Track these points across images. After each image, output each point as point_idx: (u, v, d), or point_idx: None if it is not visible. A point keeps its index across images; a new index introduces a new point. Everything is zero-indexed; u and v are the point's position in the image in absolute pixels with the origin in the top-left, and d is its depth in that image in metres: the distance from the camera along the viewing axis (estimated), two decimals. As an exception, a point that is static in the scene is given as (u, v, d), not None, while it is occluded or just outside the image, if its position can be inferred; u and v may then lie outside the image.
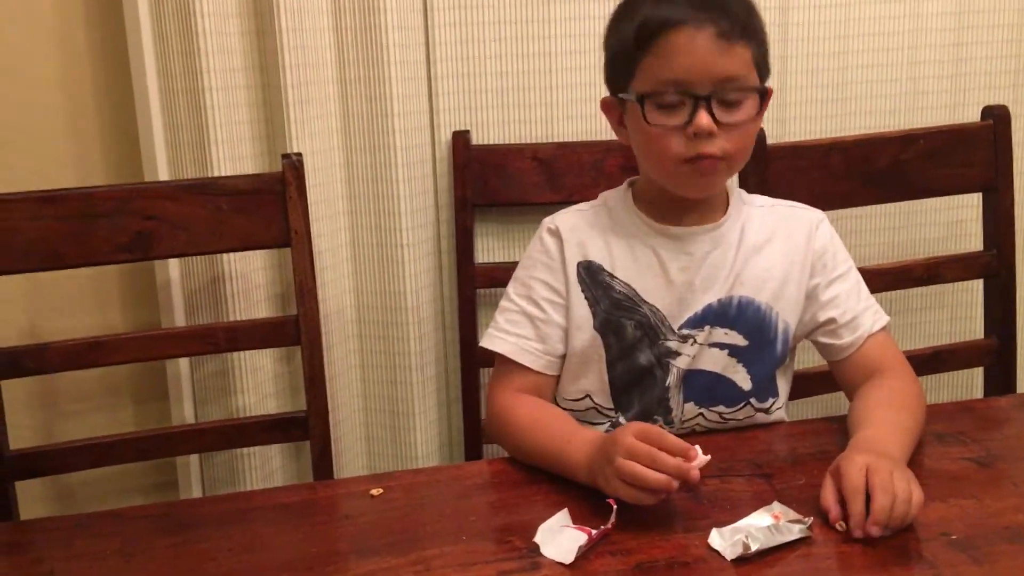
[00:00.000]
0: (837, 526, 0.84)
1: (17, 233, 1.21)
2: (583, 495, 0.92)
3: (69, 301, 1.51)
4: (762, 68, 1.01)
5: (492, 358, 1.53)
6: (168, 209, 1.26)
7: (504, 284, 1.53)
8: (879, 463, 0.85)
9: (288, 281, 1.52)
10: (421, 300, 1.57)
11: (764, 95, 1.00)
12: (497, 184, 1.55)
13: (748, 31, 0.98)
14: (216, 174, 1.41)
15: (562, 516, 0.87)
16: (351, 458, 1.61)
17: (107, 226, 1.24)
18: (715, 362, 1.06)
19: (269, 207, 1.29)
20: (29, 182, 1.23)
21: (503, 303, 1.11)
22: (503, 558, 0.83)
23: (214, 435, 1.32)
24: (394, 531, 0.89)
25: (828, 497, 0.86)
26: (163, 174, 1.44)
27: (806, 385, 1.34)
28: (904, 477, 0.85)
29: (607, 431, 1.03)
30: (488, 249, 1.59)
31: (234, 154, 1.45)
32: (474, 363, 1.56)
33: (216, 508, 0.97)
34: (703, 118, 0.96)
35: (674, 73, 0.96)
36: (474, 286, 1.55)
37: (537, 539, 0.85)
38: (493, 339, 1.09)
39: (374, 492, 0.96)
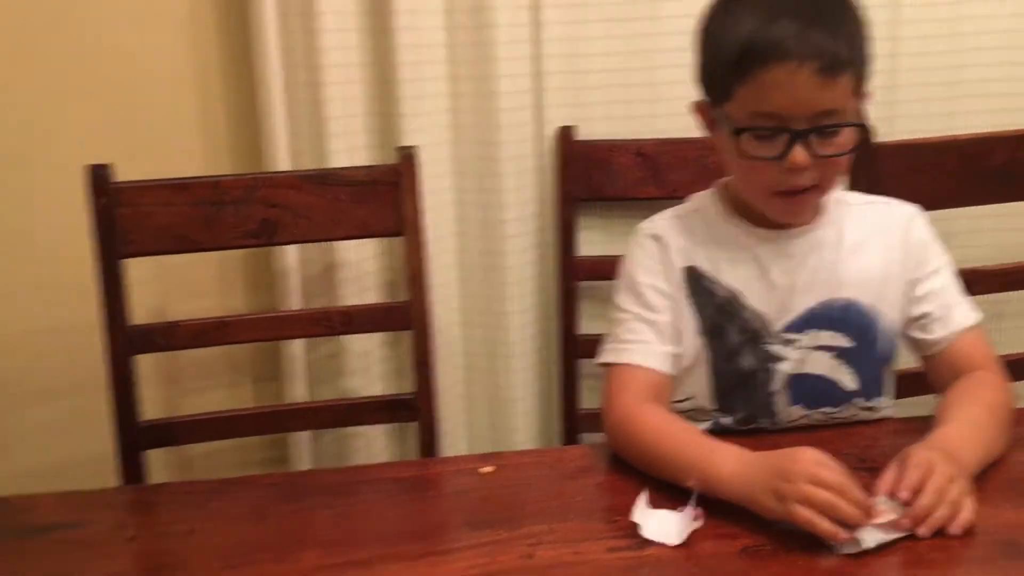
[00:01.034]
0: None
1: (151, 218, 1.30)
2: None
3: (194, 285, 1.60)
4: (862, 84, 0.99)
5: (592, 349, 1.56)
6: (290, 198, 1.33)
7: (605, 278, 1.57)
8: (943, 466, 0.85)
9: (396, 269, 1.58)
10: (523, 291, 1.62)
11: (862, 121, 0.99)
12: (600, 179, 1.59)
13: (853, 57, 0.96)
14: (332, 165, 1.48)
15: (644, 498, 0.89)
16: (452, 441, 1.67)
17: (234, 213, 1.32)
18: (820, 365, 1.07)
19: (383, 197, 1.35)
20: (161, 172, 1.31)
21: (616, 316, 1.10)
22: (611, 536, 0.87)
23: (328, 413, 1.39)
24: (504, 507, 0.93)
25: (883, 483, 0.86)
26: (284, 164, 1.51)
27: (915, 385, 1.34)
28: (961, 488, 0.85)
29: (708, 430, 1.04)
30: (590, 243, 1.62)
31: (349, 146, 1.52)
32: (574, 354, 1.59)
33: (337, 478, 1.04)
34: (798, 154, 0.95)
35: (772, 107, 0.94)
36: (575, 278, 1.59)
37: (635, 519, 0.87)
38: (617, 352, 1.07)
39: (484, 470, 1.00)
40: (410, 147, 1.36)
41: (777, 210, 1.03)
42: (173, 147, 1.55)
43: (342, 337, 1.55)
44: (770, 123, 0.95)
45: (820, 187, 1.00)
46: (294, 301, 1.56)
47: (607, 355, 1.08)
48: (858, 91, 0.99)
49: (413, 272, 1.36)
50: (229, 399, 1.64)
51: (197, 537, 0.92)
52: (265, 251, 1.58)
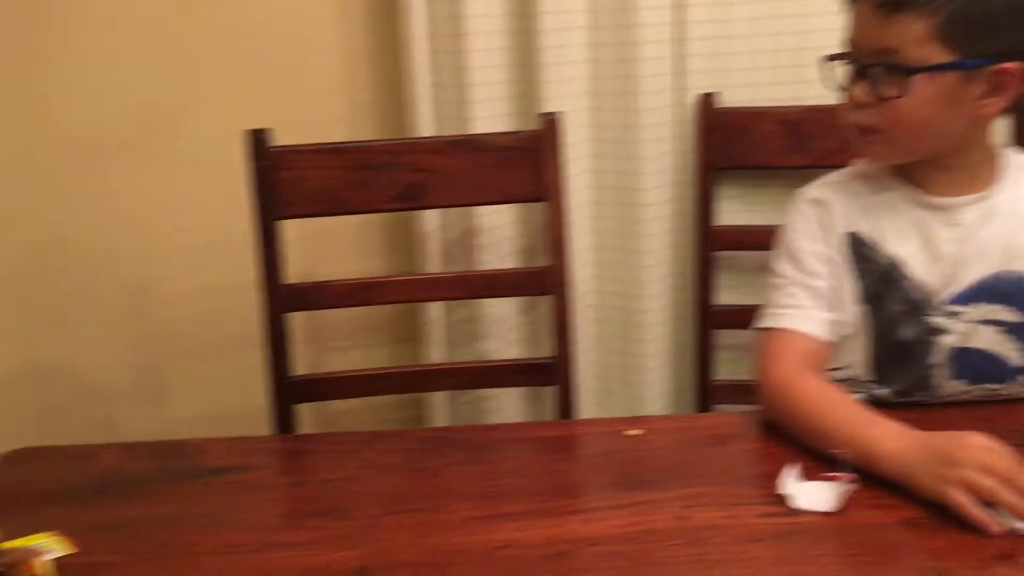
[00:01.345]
0: None
1: (307, 181, 1.35)
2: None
3: (334, 248, 1.65)
4: (962, 40, 0.92)
5: (729, 320, 1.54)
6: (437, 162, 1.36)
7: (745, 248, 1.56)
8: None
9: (533, 235, 1.60)
10: (659, 260, 1.61)
11: (954, 68, 0.92)
12: (742, 147, 1.56)
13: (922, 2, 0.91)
14: (474, 132, 1.50)
15: (793, 470, 0.88)
16: (583, 408, 1.68)
17: (384, 177, 1.35)
18: (986, 339, 1.03)
19: (526, 163, 1.37)
20: (307, 139, 1.36)
21: (774, 281, 1.09)
22: (763, 502, 0.86)
23: (468, 375, 1.42)
24: (653, 469, 0.94)
25: None
26: (426, 132, 1.54)
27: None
28: None
29: (862, 401, 1.02)
30: (729, 213, 1.60)
31: (491, 113, 1.54)
32: (709, 324, 1.58)
33: (486, 435, 1.07)
34: (855, 89, 0.97)
35: (849, 36, 0.98)
36: (713, 248, 1.57)
37: (785, 491, 0.87)
38: (775, 318, 1.06)
39: (631, 432, 1.01)
40: (553, 113, 1.37)
41: (856, 147, 1.03)
42: (319, 115, 1.60)
43: (479, 301, 1.59)
44: (850, 55, 0.98)
45: (884, 132, 0.98)
46: (432, 265, 1.60)
47: (764, 320, 1.07)
48: (948, 40, 0.92)
49: (554, 238, 1.38)
50: (368, 359, 1.70)
51: (356, 484, 0.96)
52: (405, 215, 1.62)
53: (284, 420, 1.37)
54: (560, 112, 1.38)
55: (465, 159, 1.36)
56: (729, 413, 1.09)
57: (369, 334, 1.70)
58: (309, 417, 1.66)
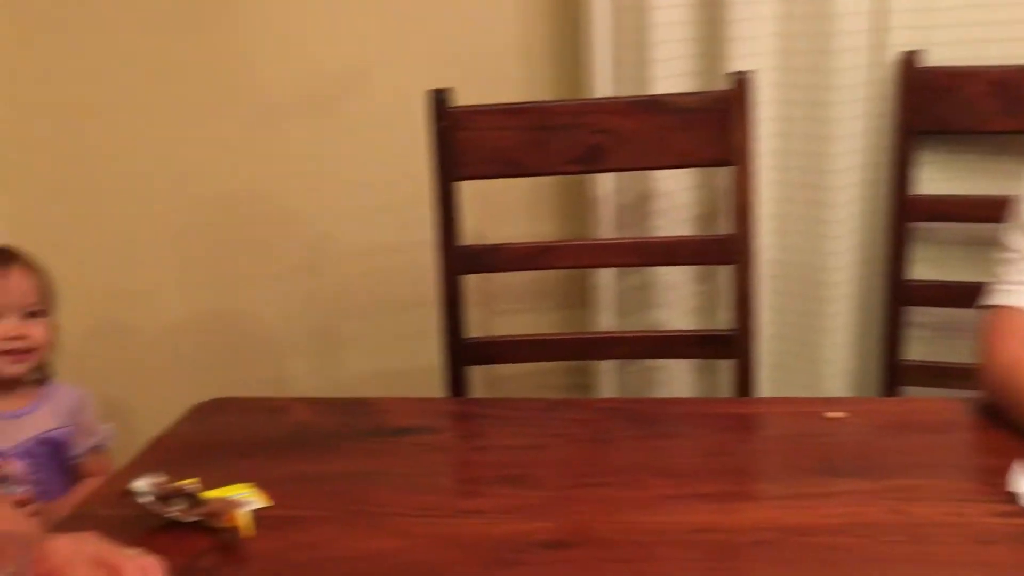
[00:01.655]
0: None
1: (485, 142, 1.32)
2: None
3: (507, 210, 1.63)
4: None
5: (925, 295, 1.44)
6: (618, 124, 1.31)
7: (944, 219, 1.45)
8: None
9: (711, 201, 1.53)
10: (848, 229, 1.51)
11: None
12: (946, 110, 1.44)
13: None
14: (654, 92, 1.44)
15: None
16: (756, 383, 1.61)
17: (563, 139, 1.32)
18: None
19: (712, 125, 1.30)
20: (486, 98, 1.33)
21: (1005, 256, 1.00)
22: (994, 499, 0.79)
23: (642, 344, 1.38)
24: (859, 455, 0.88)
25: None
26: (604, 93, 1.49)
27: None
28: None
29: None
30: (929, 181, 1.48)
31: (671, 72, 1.48)
32: (901, 300, 1.48)
33: (671, 409, 1.02)
34: None
35: None
36: (909, 219, 1.46)
37: (1015, 489, 0.79)
38: (1004, 295, 0.97)
39: (833, 415, 0.95)
40: (744, 72, 1.29)
41: None
42: (496, 75, 1.58)
43: (652, 268, 1.53)
44: None
45: None
46: (605, 230, 1.55)
47: (992, 297, 0.98)
48: None
49: (739, 204, 1.31)
50: (535, 324, 1.67)
51: (540, 452, 0.94)
52: (578, 178, 1.58)
53: (456, 381, 1.36)
54: (752, 71, 1.31)
55: (648, 120, 1.31)
56: (943, 398, 1.01)
57: (538, 298, 1.68)
58: (477, 379, 1.66)
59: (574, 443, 0.96)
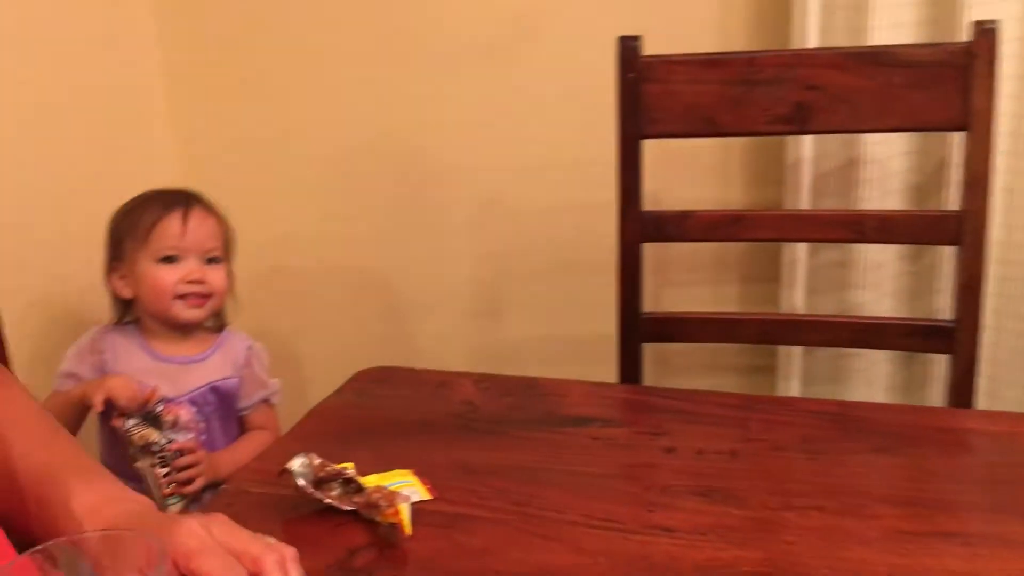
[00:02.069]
0: None
1: (678, 97, 1.18)
2: None
3: (691, 171, 1.49)
4: None
5: None
6: (833, 79, 1.14)
7: None
8: None
9: (928, 171, 1.34)
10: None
11: None
12: None
13: None
14: (870, 43, 1.26)
15: None
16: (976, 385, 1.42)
17: (766, 95, 1.16)
18: None
19: (949, 84, 1.11)
20: (672, 47, 1.18)
21: None
22: None
23: (844, 331, 1.21)
24: None
25: None
26: (811, 42, 1.32)
27: None
28: None
29: None
30: None
31: (894, 21, 1.28)
32: None
33: (897, 418, 0.87)
34: None
35: None
36: None
37: None
38: None
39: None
40: (992, 22, 1.10)
41: None
42: (687, 17, 1.42)
43: (854, 244, 1.36)
44: None
45: None
46: (802, 199, 1.39)
47: None
48: None
49: (974, 176, 1.12)
50: (714, 299, 1.53)
51: (740, 461, 0.81)
52: (772, 140, 1.42)
53: (630, 357, 1.24)
54: (997, 20, 1.11)
55: (869, 76, 1.13)
56: None
57: (718, 269, 1.53)
58: (646, 354, 1.54)
59: (778, 452, 0.83)
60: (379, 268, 1.67)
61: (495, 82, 1.50)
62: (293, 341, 1.74)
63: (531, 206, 1.53)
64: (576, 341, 1.54)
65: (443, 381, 1.00)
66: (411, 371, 1.03)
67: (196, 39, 1.65)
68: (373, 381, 1.01)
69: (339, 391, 0.99)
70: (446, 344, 1.65)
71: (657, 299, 1.54)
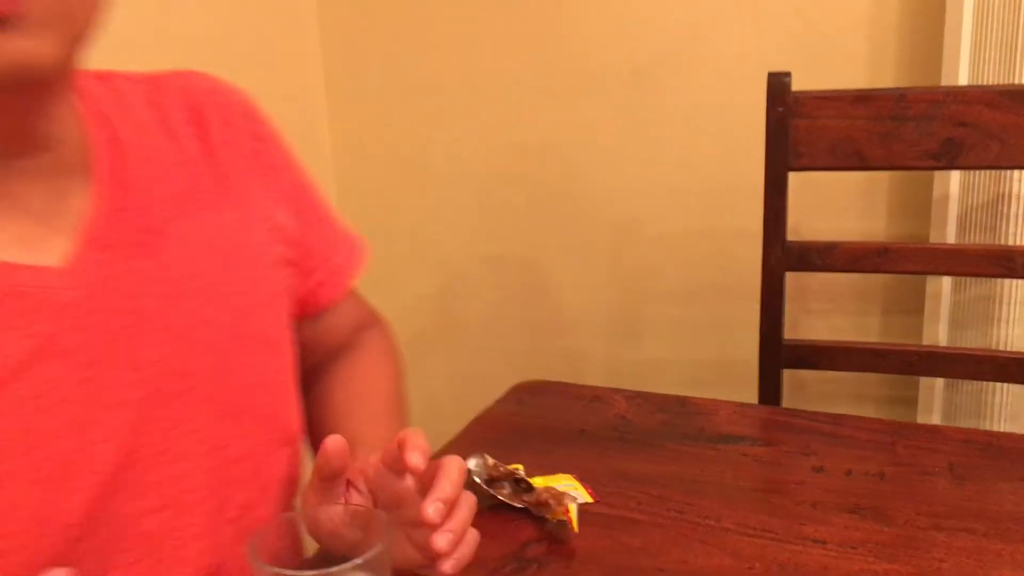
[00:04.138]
0: None
1: (826, 131, 1.22)
2: None
3: (834, 201, 1.52)
4: None
5: None
6: (984, 116, 1.16)
7: None
8: None
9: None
10: None
11: None
12: None
13: None
14: (1021, 81, 1.27)
15: None
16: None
17: (916, 130, 1.19)
18: None
19: (1105, 122, 1.12)
20: (821, 82, 1.22)
21: None
22: None
23: (990, 364, 1.22)
24: None
25: None
26: (962, 78, 1.34)
27: None
28: None
29: None
30: None
31: (1048, 59, 1.29)
32: None
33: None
34: None
35: None
36: None
37: None
38: None
39: None
40: None
41: None
42: (835, 53, 1.46)
43: (999, 279, 1.36)
44: None
45: None
46: (948, 233, 1.40)
47: None
48: None
49: None
50: (854, 328, 1.55)
51: (889, 483, 0.85)
52: (919, 175, 1.44)
53: (770, 383, 1.29)
54: None
55: (1020, 113, 1.15)
56: None
57: (859, 299, 1.55)
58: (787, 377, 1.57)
59: (926, 476, 0.86)
60: (521, 286, 1.75)
61: (640, 108, 1.56)
62: (436, 353, 1.84)
63: (671, 230, 1.58)
64: (712, 364, 1.58)
65: (596, 396, 1.06)
66: (565, 385, 1.10)
67: (356, 58, 1.76)
68: (531, 393, 1.08)
69: (500, 401, 1.07)
70: (585, 363, 1.72)
71: (795, 326, 1.57)
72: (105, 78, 0.69)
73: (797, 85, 1.22)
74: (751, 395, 1.29)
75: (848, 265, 1.26)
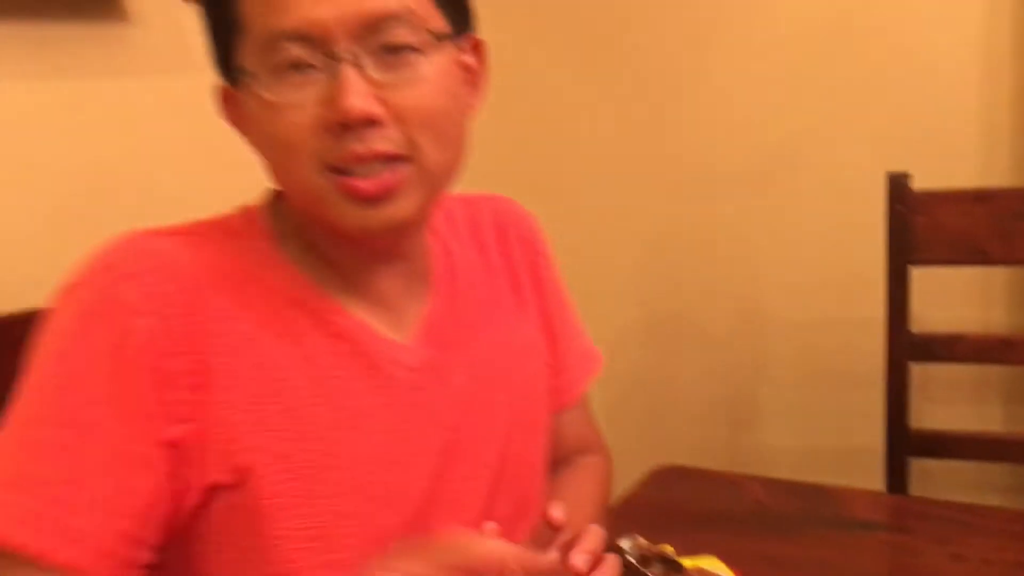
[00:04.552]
0: None
1: (946, 228, 1.28)
2: None
3: (952, 293, 1.55)
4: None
5: None
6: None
7: None
8: None
9: None
10: None
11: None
12: None
13: None
14: None
15: None
16: None
17: (1036, 227, 1.24)
18: None
19: None
20: (933, 175, 1.28)
21: None
22: None
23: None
24: None
25: None
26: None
27: None
28: None
29: None
30: None
31: None
32: None
33: None
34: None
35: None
36: None
37: None
38: None
39: None
40: None
41: None
42: (948, 152, 1.52)
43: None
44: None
45: None
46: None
47: None
48: None
49: None
50: (973, 417, 1.57)
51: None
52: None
53: (897, 470, 1.32)
54: None
55: None
56: None
57: (980, 388, 1.57)
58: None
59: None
60: (644, 373, 1.82)
61: (761, 204, 1.64)
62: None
63: (790, 319, 1.64)
64: (834, 451, 1.61)
65: (733, 481, 1.12)
66: (702, 471, 1.16)
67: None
68: (669, 478, 1.15)
69: (642, 484, 1.13)
70: (706, 448, 1.76)
71: (917, 414, 1.59)
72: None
73: (918, 181, 1.28)
74: (875, 482, 1.33)
75: (973, 357, 1.30)
